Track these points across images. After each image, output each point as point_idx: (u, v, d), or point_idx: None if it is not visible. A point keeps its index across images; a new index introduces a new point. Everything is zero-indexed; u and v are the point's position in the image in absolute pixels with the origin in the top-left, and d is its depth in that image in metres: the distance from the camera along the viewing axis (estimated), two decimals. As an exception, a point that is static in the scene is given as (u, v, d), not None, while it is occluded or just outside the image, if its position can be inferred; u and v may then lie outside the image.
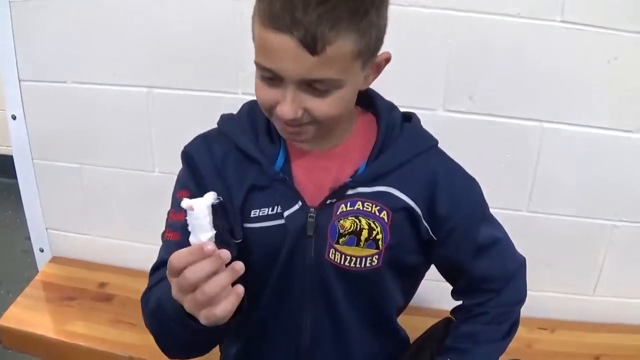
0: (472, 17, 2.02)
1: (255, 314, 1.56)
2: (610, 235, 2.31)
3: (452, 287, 1.69)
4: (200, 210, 1.07)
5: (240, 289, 1.10)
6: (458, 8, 2.02)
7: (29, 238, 2.81)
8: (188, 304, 1.10)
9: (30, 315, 2.41)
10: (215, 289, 1.06)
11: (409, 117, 1.54)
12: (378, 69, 1.39)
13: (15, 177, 2.66)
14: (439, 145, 1.55)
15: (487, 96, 2.14)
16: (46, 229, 2.75)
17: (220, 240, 1.40)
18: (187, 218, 1.09)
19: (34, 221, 2.74)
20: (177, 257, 1.07)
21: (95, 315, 2.42)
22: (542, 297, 2.42)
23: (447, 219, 1.49)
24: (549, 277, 2.40)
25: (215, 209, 1.42)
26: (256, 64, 1.28)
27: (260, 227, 1.45)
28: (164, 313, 1.26)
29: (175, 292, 1.12)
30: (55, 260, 2.77)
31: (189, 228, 1.09)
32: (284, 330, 1.58)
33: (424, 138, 1.53)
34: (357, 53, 1.24)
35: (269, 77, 1.27)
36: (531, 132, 2.17)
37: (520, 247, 2.22)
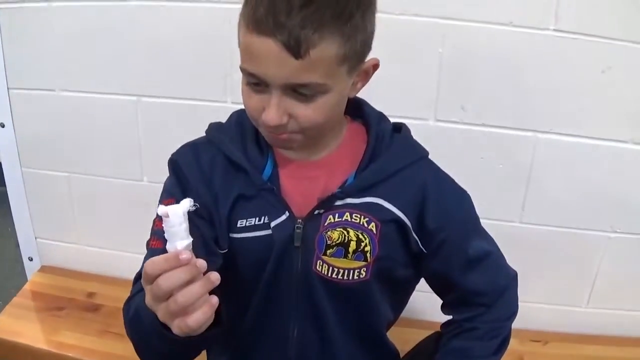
0: (464, 25, 2.02)
1: (243, 324, 1.55)
2: (604, 247, 2.30)
3: (442, 301, 1.67)
4: (176, 217, 1.04)
5: (214, 299, 1.08)
6: (449, 17, 2.01)
7: (18, 246, 2.80)
8: (161, 312, 1.08)
9: (19, 325, 2.40)
10: (189, 299, 1.04)
11: (399, 128, 1.53)
12: (366, 75, 1.38)
13: (4, 185, 2.65)
14: (430, 155, 1.54)
15: (480, 106, 2.13)
16: (35, 238, 2.74)
17: (205, 250, 1.40)
18: (163, 225, 1.06)
19: (23, 230, 2.74)
20: (152, 264, 1.05)
21: (84, 326, 2.40)
22: (534, 309, 2.41)
23: (437, 231, 1.48)
24: (542, 288, 2.39)
25: (202, 217, 1.41)
26: (241, 69, 1.27)
27: (247, 238, 1.44)
28: (140, 321, 1.24)
29: (148, 300, 1.09)
30: (44, 269, 2.77)
31: (165, 235, 1.07)
32: (271, 342, 1.57)
33: (414, 149, 1.52)
34: (342, 57, 1.23)
35: (255, 82, 1.26)
36: (524, 142, 2.16)
37: (513, 259, 2.20)
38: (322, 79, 1.23)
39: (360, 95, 1.47)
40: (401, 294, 1.65)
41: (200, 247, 1.37)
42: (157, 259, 1.05)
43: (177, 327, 1.07)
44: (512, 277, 1.66)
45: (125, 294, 2.45)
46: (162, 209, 1.05)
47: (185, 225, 1.06)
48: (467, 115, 2.14)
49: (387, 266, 1.47)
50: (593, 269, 2.35)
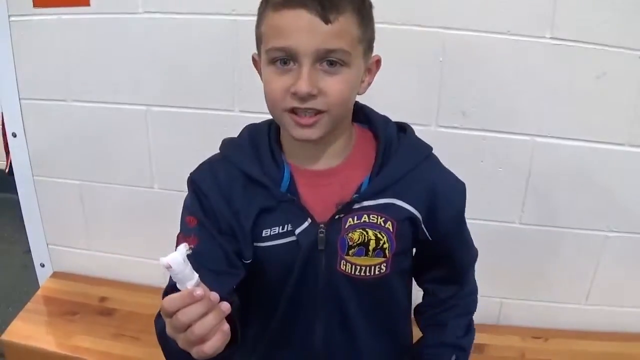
0: (463, 35, 2.07)
1: (271, 325, 1.61)
2: (602, 246, 2.34)
3: (422, 275, 1.76)
4: (178, 265, 1.09)
5: (226, 327, 1.14)
6: (449, 27, 2.06)
7: (28, 252, 2.84)
8: (181, 341, 1.15)
9: (33, 330, 2.45)
10: (204, 329, 1.11)
11: (404, 128, 1.59)
12: (370, 73, 1.47)
13: (14, 192, 2.69)
14: None
15: (479, 112, 2.18)
16: (47, 244, 2.78)
17: (227, 263, 1.46)
18: (169, 272, 1.11)
19: (35, 237, 2.78)
20: (170, 302, 1.11)
21: (98, 330, 2.45)
22: (535, 307, 2.45)
23: (444, 222, 1.56)
24: (542, 287, 2.43)
25: (224, 233, 1.47)
26: (268, 51, 1.34)
27: (273, 245, 1.50)
28: (167, 342, 1.29)
29: (169, 330, 1.16)
30: (56, 275, 2.81)
31: (173, 279, 1.12)
32: (298, 341, 1.63)
33: (421, 148, 1.58)
34: (359, 37, 1.34)
35: (283, 59, 1.33)
36: (523, 146, 2.20)
37: (514, 258, 2.27)
38: (348, 47, 1.32)
39: (366, 102, 1.55)
40: (409, 280, 1.73)
41: (222, 262, 1.46)
42: (174, 297, 1.11)
43: (195, 353, 1.14)
44: (477, 253, 1.77)
45: (138, 298, 2.53)
46: (162, 261, 1.09)
47: (188, 267, 1.11)
48: (468, 121, 2.19)
49: (404, 259, 1.57)
50: (591, 268, 2.39)
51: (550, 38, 2.04)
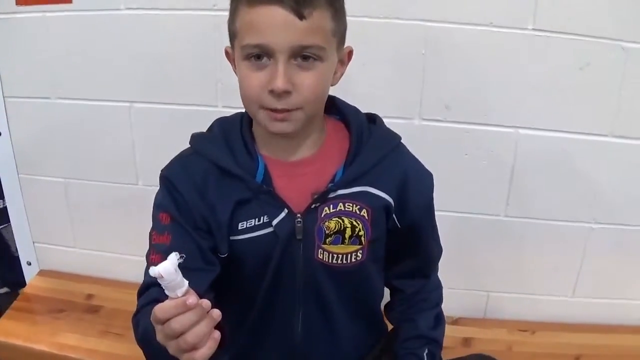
0: (445, 27, 2.06)
1: (249, 318, 1.62)
2: (587, 238, 2.34)
3: (390, 270, 1.76)
4: (169, 274, 1.08)
5: (217, 334, 1.14)
6: (431, 19, 2.06)
7: (15, 250, 2.82)
8: (172, 348, 1.14)
9: (20, 328, 2.44)
10: (196, 337, 1.10)
11: (374, 119, 1.62)
12: (342, 64, 1.48)
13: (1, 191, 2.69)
14: (416, 154, 1.65)
15: (462, 104, 2.17)
16: (33, 242, 2.78)
17: (203, 260, 1.47)
18: (159, 281, 1.09)
19: (21, 235, 2.77)
20: (162, 311, 1.10)
21: (84, 327, 2.44)
22: (522, 300, 2.45)
23: (414, 209, 1.60)
24: (528, 279, 2.43)
25: (199, 228, 1.47)
26: (244, 47, 1.35)
27: (250, 238, 1.51)
28: (151, 344, 1.28)
29: (160, 337, 1.16)
30: (42, 273, 2.80)
31: (164, 288, 1.10)
32: (278, 331, 1.64)
33: (391, 137, 1.61)
34: (333, 30, 1.37)
35: (258, 55, 1.34)
36: (506, 139, 2.20)
37: (499, 251, 2.26)
38: (323, 43, 1.35)
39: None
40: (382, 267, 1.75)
41: (198, 258, 1.47)
42: (167, 305, 1.11)
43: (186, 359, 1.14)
44: (442, 250, 1.80)
45: (124, 295, 2.52)
46: (154, 271, 1.08)
47: (179, 276, 1.10)
48: (451, 113, 2.18)
49: (379, 246, 1.60)
50: (577, 260, 2.38)
51: (533, 29, 2.04)
